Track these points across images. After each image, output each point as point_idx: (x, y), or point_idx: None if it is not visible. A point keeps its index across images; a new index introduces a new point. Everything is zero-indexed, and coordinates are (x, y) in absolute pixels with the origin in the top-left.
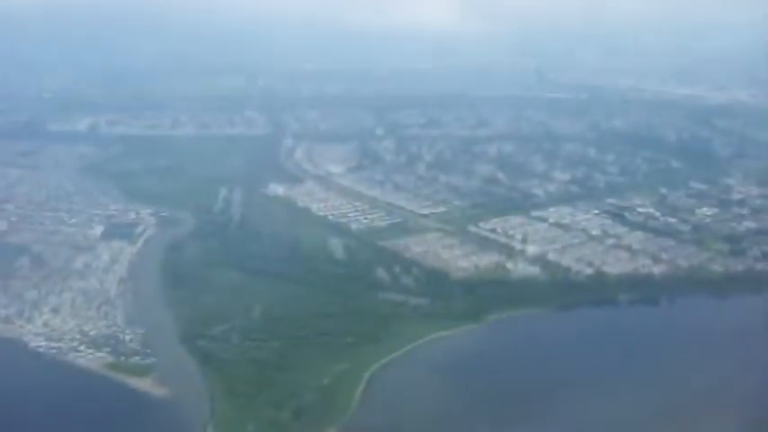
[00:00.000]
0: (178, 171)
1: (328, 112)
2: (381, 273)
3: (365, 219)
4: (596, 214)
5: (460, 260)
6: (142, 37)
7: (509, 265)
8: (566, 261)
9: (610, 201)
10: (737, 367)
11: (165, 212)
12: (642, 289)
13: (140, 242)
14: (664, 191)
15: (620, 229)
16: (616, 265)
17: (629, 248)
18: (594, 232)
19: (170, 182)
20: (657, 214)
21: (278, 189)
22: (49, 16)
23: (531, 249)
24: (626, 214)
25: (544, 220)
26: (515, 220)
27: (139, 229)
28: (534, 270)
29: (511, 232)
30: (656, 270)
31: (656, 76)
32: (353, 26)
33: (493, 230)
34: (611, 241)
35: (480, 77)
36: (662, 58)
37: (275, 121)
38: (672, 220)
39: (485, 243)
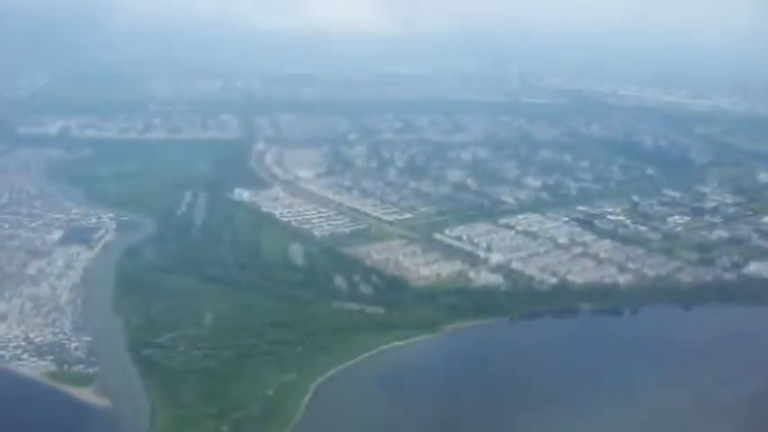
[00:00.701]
0: (144, 175)
1: (304, 116)
2: (339, 281)
3: (329, 225)
4: (565, 222)
5: (422, 268)
6: (120, 40)
7: (471, 273)
8: (530, 270)
9: (580, 208)
10: (696, 380)
11: (126, 217)
12: (606, 299)
13: (98, 247)
14: (636, 198)
15: (589, 237)
16: (581, 275)
17: (595, 257)
18: (562, 240)
19: (135, 186)
20: (628, 222)
21: (243, 194)
22: (24, 17)
23: (495, 258)
24: (596, 222)
25: (512, 227)
26: (482, 227)
27: (99, 233)
28: (496, 279)
29: (476, 240)
30: (622, 279)
31: (637, 81)
32: (264, 27)
33: (458, 238)
34: (578, 250)
35: (458, 82)
36: (644, 64)
37: (249, 125)
38: (642, 228)
39: (448, 251)
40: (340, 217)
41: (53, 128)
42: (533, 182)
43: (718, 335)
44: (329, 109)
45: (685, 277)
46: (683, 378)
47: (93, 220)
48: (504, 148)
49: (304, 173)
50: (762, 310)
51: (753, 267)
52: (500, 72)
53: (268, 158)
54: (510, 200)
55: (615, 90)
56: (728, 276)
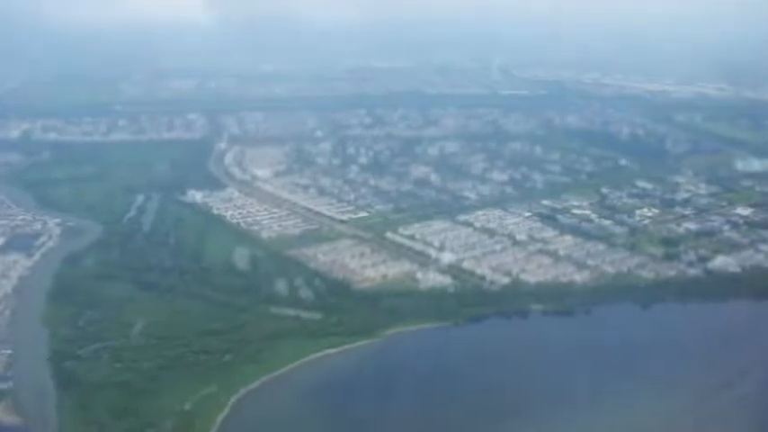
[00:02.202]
0: (99, 179)
1: (272, 113)
2: (280, 285)
3: (279, 226)
4: (527, 217)
5: (368, 270)
6: (92, 40)
7: (419, 274)
8: (481, 269)
9: (545, 202)
10: (647, 384)
11: (72, 222)
12: (559, 299)
13: (37, 255)
14: (605, 190)
15: (549, 233)
16: (536, 273)
17: (553, 254)
18: (520, 237)
19: (88, 190)
20: (593, 216)
21: (196, 196)
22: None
23: (447, 257)
24: (559, 217)
25: (470, 224)
26: (438, 225)
27: (41, 240)
28: (445, 280)
29: (430, 239)
30: (579, 278)
31: (620, 70)
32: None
33: (411, 237)
34: (535, 246)
35: (436, 75)
36: (629, 52)
37: (215, 125)
38: (607, 222)
39: (399, 251)
40: (292, 217)
41: (16, 131)
42: (499, 176)
43: (670, 335)
44: (300, 105)
45: (647, 273)
46: (623, 384)
47: (38, 226)
48: (474, 142)
49: (262, 172)
50: (723, 306)
51: (719, 262)
52: (480, 64)
53: (228, 158)
54: (472, 195)
55: (598, 79)
56: (693, 272)
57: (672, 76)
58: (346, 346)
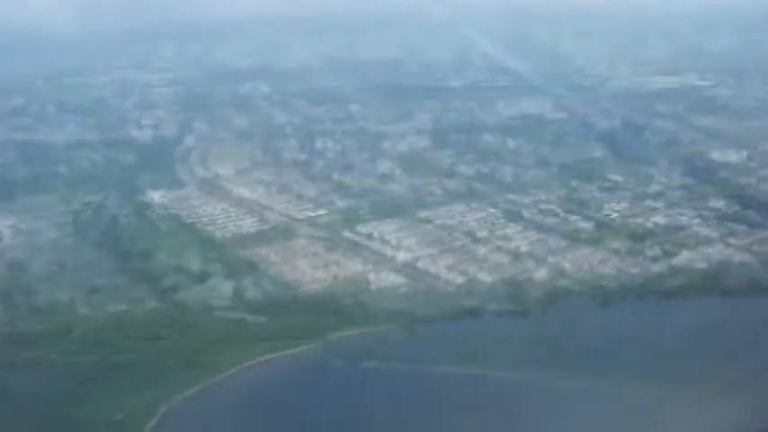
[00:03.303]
0: (60, 179)
1: (244, 109)
2: (227, 287)
3: (234, 225)
4: (491, 213)
5: (319, 270)
6: (69, 34)
7: (372, 275)
8: (436, 268)
9: (510, 197)
10: (591, 383)
11: (23, 225)
12: (514, 299)
13: None
14: (575, 184)
15: (512, 230)
16: (493, 272)
17: (514, 252)
18: (481, 234)
19: (46, 191)
20: (559, 211)
21: (154, 195)
22: None
23: (402, 256)
24: (523, 212)
25: (430, 221)
26: (397, 222)
27: None
28: (398, 280)
29: (387, 237)
30: (538, 276)
31: (603, 59)
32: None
33: (368, 235)
34: (495, 244)
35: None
36: (610, 39)
37: (185, 122)
38: (573, 217)
39: (354, 250)
40: (249, 216)
41: None
42: (466, 170)
43: (622, 333)
44: (273, 100)
45: (608, 270)
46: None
47: None
48: (447, 135)
49: (225, 170)
50: (682, 303)
51: (684, 257)
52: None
53: (193, 156)
54: (437, 191)
55: (582, 68)
56: (656, 268)
57: (654, 64)
58: (288, 351)
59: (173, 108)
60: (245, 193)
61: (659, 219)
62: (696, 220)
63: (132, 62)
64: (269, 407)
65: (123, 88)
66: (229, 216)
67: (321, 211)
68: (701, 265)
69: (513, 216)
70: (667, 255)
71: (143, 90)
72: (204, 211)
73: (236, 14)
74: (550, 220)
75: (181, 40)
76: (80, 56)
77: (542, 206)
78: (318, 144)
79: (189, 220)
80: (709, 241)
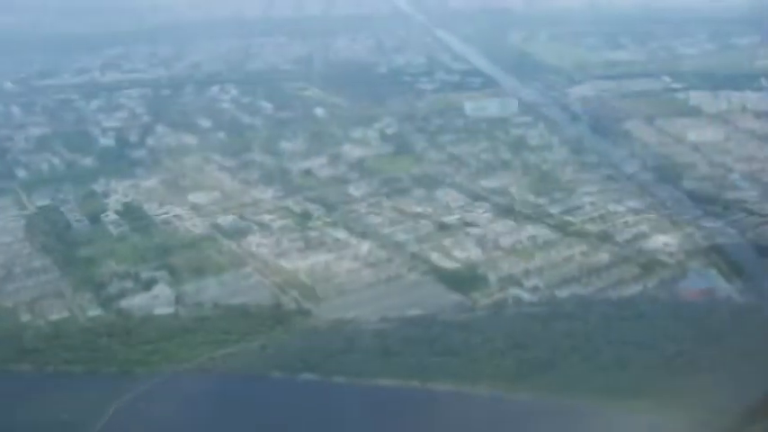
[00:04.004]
0: (9, 181)
1: (209, 112)
2: (170, 293)
3: (186, 230)
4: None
5: (266, 275)
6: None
7: (318, 285)
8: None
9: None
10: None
11: None
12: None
13: None
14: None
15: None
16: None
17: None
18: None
19: None
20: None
21: (109, 200)
22: None
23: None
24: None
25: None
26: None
27: None
28: (354, 282)
29: (342, 241)
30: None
31: (576, 62)
32: None
33: (320, 241)
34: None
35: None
36: (586, 42)
37: (148, 124)
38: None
39: (304, 253)
40: (202, 220)
41: None
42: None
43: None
44: (239, 103)
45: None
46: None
47: None
48: (410, 138)
49: (183, 173)
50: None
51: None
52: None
53: (152, 159)
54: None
55: (553, 71)
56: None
57: (629, 68)
58: (226, 355)
59: (137, 111)
60: (200, 197)
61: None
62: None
63: (104, 64)
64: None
65: (91, 90)
66: (183, 220)
67: (274, 215)
68: None
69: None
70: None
71: (110, 92)
72: (158, 215)
73: (214, 16)
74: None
75: (155, 42)
76: (53, 57)
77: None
78: (280, 147)
79: (142, 225)
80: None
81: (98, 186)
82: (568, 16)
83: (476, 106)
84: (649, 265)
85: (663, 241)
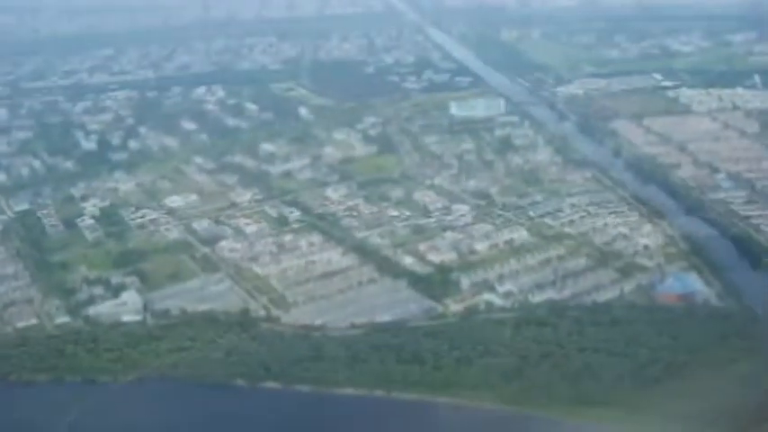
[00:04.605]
0: None
1: (193, 114)
2: (139, 300)
3: (161, 235)
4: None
5: (235, 282)
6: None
7: (287, 291)
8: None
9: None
10: None
11: None
12: None
13: None
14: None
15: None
16: None
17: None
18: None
19: None
20: None
21: (86, 204)
22: None
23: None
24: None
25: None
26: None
27: None
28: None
29: (308, 249)
30: None
31: (567, 60)
32: None
33: (293, 246)
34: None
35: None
36: (578, 41)
37: (131, 127)
38: None
39: (277, 261)
40: (177, 225)
41: None
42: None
43: None
44: (224, 105)
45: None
46: None
47: None
48: (393, 140)
49: (162, 177)
50: None
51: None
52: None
53: (133, 163)
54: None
55: (544, 69)
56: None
57: (621, 66)
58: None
59: (122, 113)
60: (178, 201)
61: None
62: None
63: (94, 65)
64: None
65: (78, 92)
66: (158, 225)
67: (250, 219)
68: None
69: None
70: None
71: (97, 94)
72: (134, 220)
73: (207, 16)
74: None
75: (147, 43)
76: (44, 58)
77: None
78: (262, 149)
79: (117, 230)
80: None
81: (77, 190)
82: (563, 14)
83: (462, 106)
84: (627, 268)
85: (643, 244)
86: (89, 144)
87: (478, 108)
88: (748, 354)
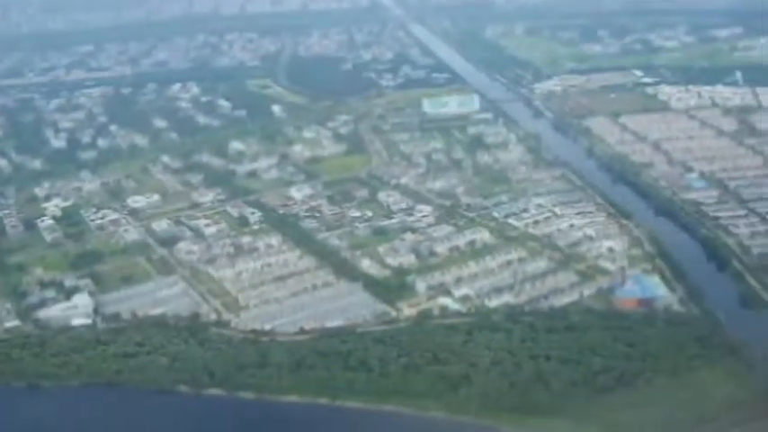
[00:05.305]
0: None
1: (166, 112)
2: (90, 303)
3: (120, 236)
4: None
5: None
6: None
7: (239, 295)
8: None
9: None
10: None
11: None
12: None
13: None
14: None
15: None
16: None
17: None
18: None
19: None
20: None
21: (49, 204)
22: None
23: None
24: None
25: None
26: (282, 235)
27: None
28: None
29: (265, 250)
30: None
31: (548, 56)
32: None
33: (252, 248)
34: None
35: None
36: (561, 36)
37: (102, 125)
38: None
39: (233, 264)
40: (137, 226)
41: None
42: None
43: None
44: (198, 102)
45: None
46: None
47: None
48: (362, 139)
49: (127, 177)
50: None
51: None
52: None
53: (99, 162)
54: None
55: (524, 66)
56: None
57: (602, 62)
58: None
59: (95, 110)
60: (140, 201)
61: None
62: None
63: (72, 62)
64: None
65: (53, 89)
66: (118, 226)
67: (210, 220)
68: None
69: None
70: None
71: (72, 91)
72: (94, 220)
73: (190, 12)
74: None
75: (127, 39)
76: (24, 55)
77: None
78: (231, 148)
79: (76, 231)
80: None
81: (41, 190)
82: (549, 9)
83: (434, 103)
84: (589, 271)
85: (607, 246)
86: (58, 142)
87: (452, 105)
88: (706, 362)
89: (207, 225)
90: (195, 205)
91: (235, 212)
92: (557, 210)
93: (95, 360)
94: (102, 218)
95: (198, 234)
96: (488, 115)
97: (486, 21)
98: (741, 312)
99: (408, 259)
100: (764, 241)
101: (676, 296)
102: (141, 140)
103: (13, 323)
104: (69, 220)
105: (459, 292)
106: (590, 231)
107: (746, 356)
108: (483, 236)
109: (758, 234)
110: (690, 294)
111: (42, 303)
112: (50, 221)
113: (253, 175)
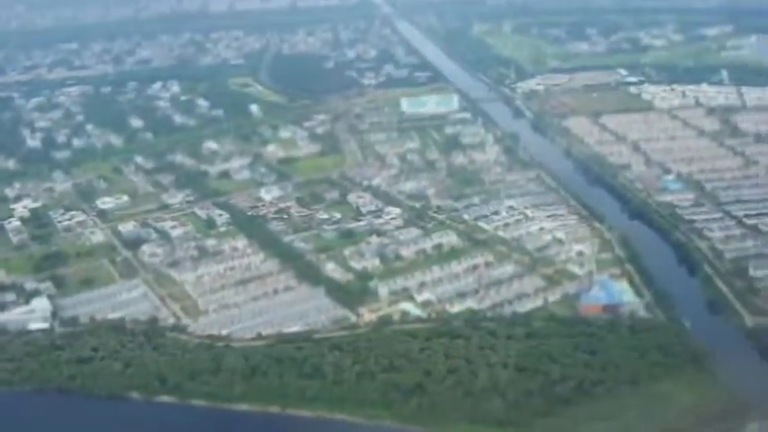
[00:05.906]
0: None
1: (144, 111)
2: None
3: (86, 238)
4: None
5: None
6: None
7: (199, 299)
8: None
9: None
10: None
11: None
12: None
13: None
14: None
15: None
16: None
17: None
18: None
19: None
20: None
21: (18, 205)
22: None
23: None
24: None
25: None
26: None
27: None
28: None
29: (233, 252)
30: None
31: (533, 55)
32: None
33: (216, 251)
34: None
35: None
36: (548, 35)
37: (79, 124)
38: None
39: (197, 268)
40: (103, 229)
41: None
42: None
43: None
44: (176, 101)
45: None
46: None
47: None
48: (338, 139)
49: (98, 178)
50: None
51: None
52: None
53: (73, 162)
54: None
55: (507, 65)
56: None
57: (587, 61)
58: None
59: (73, 109)
60: (109, 202)
61: None
62: None
63: (56, 60)
64: None
65: (34, 88)
66: (85, 228)
67: (177, 222)
68: None
69: None
70: None
71: (53, 90)
72: (62, 222)
73: (179, 9)
74: None
75: (113, 37)
76: (7, 53)
77: None
78: (205, 148)
79: (43, 233)
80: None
81: (11, 191)
82: (539, 7)
83: (413, 103)
84: (556, 276)
85: (577, 250)
86: (34, 142)
87: (430, 105)
88: (669, 371)
89: (173, 227)
90: (164, 206)
91: (203, 214)
92: (528, 212)
93: (49, 365)
94: (69, 219)
95: (164, 236)
96: (467, 115)
97: (475, 18)
98: (708, 319)
99: (373, 263)
100: (738, 245)
101: (643, 302)
102: (116, 140)
103: None
104: (37, 221)
105: (421, 297)
106: (560, 235)
107: (710, 365)
108: (450, 239)
109: (732, 238)
110: (657, 300)
111: (1, 307)
112: (17, 223)
113: (225, 175)
